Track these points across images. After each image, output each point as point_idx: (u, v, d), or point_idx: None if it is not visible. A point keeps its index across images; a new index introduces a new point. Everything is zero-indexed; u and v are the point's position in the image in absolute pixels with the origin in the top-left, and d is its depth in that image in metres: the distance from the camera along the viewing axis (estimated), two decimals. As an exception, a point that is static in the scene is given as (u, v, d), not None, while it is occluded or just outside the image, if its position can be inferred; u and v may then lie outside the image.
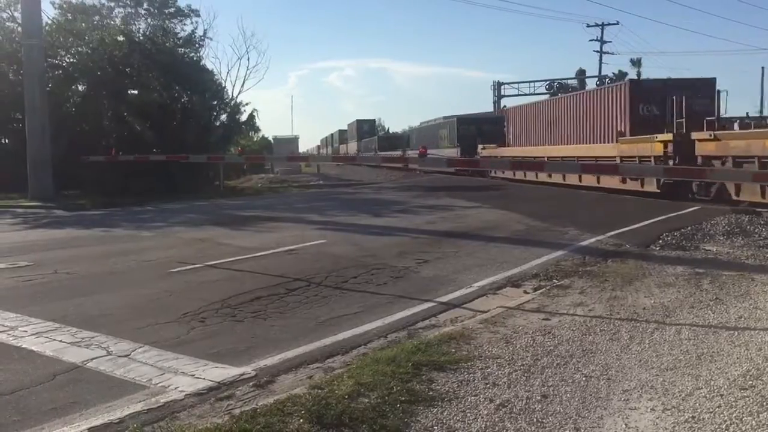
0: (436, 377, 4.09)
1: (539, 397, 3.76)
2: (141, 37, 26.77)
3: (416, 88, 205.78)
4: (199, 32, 27.62)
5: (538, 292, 6.62)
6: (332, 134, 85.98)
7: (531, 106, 28.47)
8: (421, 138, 41.89)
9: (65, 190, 21.73)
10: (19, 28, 23.17)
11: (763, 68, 59.74)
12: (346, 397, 3.71)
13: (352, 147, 68.08)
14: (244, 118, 29.96)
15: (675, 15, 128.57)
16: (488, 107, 54.73)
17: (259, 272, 7.91)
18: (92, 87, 25.48)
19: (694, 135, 15.03)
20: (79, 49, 26.44)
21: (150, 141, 23.14)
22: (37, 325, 5.64)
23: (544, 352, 4.61)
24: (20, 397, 4.06)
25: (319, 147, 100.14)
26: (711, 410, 3.52)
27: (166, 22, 27.97)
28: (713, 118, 15.75)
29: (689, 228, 10.50)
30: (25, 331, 5.45)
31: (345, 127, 78.12)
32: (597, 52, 50.04)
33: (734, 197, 13.67)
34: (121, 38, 25.67)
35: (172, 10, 28.27)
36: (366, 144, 61.70)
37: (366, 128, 68.44)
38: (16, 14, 24.64)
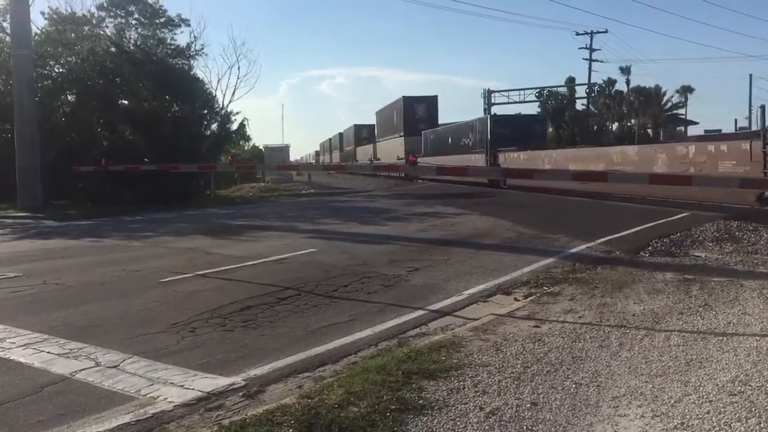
0: (426, 385, 4.09)
1: (529, 405, 3.77)
2: (131, 47, 26.76)
3: (408, 95, 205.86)
4: (192, 43, 27.75)
5: (529, 299, 6.63)
6: (340, 133, 67.97)
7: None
8: None
9: (55, 200, 21.66)
10: (8, 38, 23.11)
11: (751, 75, 60.60)
12: (336, 406, 3.71)
13: (389, 147, 42.73)
14: (234, 127, 30.10)
15: (664, 23, 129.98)
16: (479, 115, 54.65)
17: (250, 281, 7.90)
18: (82, 97, 25.44)
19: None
20: (69, 59, 26.40)
21: (141, 150, 23.07)
22: (26, 336, 5.61)
23: (534, 359, 4.61)
24: (7, 410, 4.02)
25: (317, 153, 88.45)
26: (700, 416, 3.53)
27: (157, 31, 27.98)
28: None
29: (678, 234, 10.56)
30: (13, 343, 5.41)
31: (345, 129, 61.99)
32: (586, 60, 50.47)
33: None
34: (111, 48, 25.64)
35: (162, 19, 28.30)
36: (440, 137, 36.12)
37: (421, 113, 41.03)
38: (5, 24, 24.60)
